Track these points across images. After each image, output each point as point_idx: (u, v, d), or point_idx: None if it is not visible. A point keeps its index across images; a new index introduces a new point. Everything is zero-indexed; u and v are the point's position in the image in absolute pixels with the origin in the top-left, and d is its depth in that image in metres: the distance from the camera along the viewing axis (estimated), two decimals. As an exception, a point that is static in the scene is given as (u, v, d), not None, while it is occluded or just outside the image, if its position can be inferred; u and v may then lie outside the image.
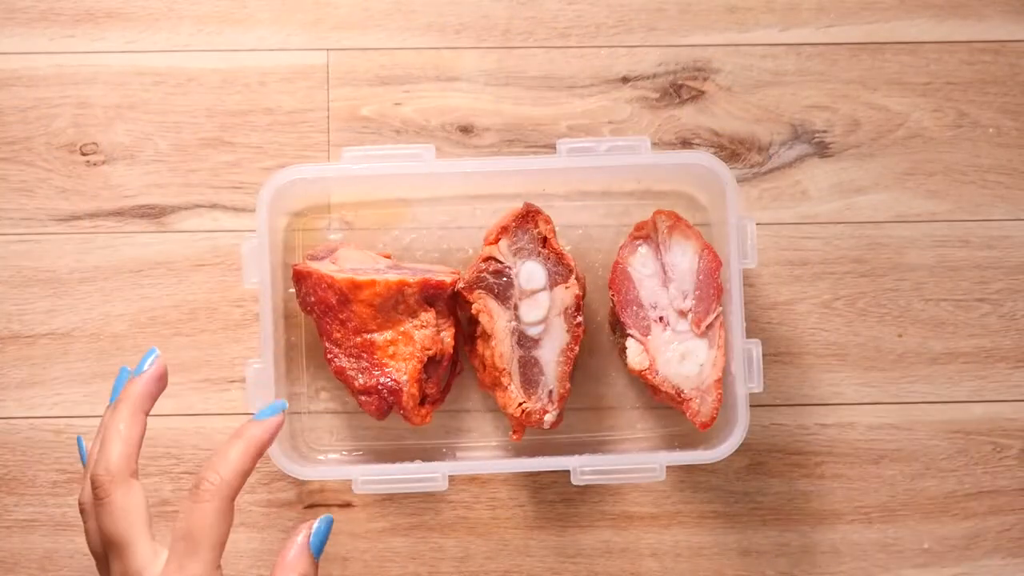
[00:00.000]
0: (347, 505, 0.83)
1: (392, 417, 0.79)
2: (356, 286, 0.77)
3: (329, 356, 0.78)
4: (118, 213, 0.84)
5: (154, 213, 0.84)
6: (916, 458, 0.84)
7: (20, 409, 0.83)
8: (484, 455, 0.83)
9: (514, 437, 0.79)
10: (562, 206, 0.83)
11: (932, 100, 0.86)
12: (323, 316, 0.78)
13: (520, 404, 0.78)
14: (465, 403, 0.83)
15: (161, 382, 0.64)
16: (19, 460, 0.82)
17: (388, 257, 0.82)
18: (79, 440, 0.67)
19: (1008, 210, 0.85)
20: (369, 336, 0.77)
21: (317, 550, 0.60)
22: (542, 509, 0.83)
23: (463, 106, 0.85)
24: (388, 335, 0.78)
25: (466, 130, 0.85)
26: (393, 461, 0.80)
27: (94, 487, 0.59)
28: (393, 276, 0.77)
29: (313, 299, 0.77)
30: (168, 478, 0.82)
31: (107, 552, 0.59)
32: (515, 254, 0.79)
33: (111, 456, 0.60)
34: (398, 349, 0.77)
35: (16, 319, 0.83)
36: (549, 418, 0.78)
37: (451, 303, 0.80)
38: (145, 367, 0.64)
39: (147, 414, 0.63)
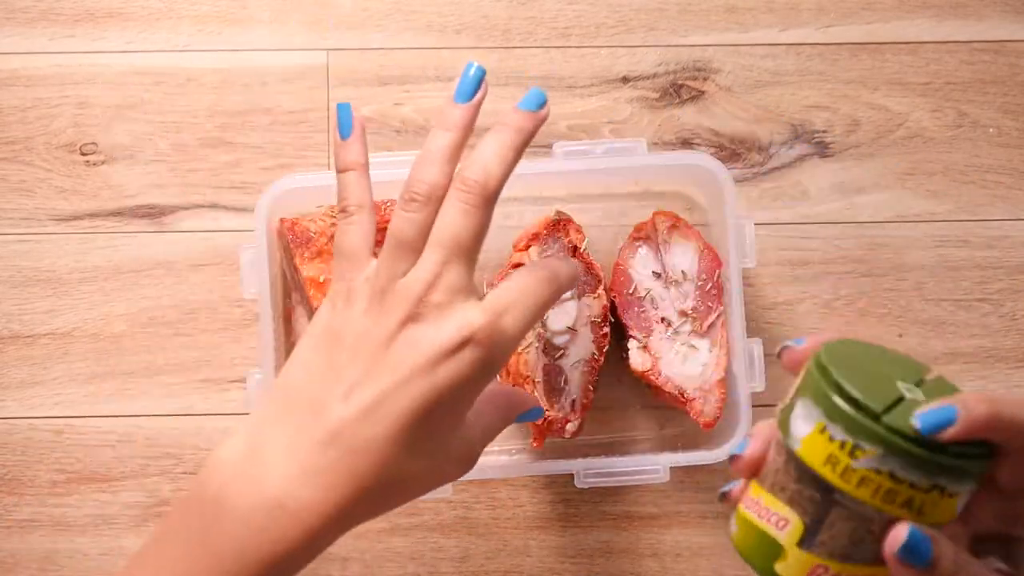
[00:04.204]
0: (347, 505, 0.82)
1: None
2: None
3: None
4: (118, 213, 0.84)
5: (154, 213, 0.84)
6: (916, 458, 0.84)
7: (20, 409, 0.82)
8: (488, 459, 0.82)
9: (535, 445, 0.79)
10: (561, 208, 0.83)
11: (932, 100, 0.86)
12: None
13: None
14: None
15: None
16: (19, 460, 0.82)
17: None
18: (342, 107, 0.62)
19: (1008, 210, 0.85)
20: None
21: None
22: (542, 509, 0.83)
23: (463, 106, 0.85)
24: None
25: (466, 130, 0.85)
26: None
27: (462, 186, 0.56)
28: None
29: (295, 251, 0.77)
30: (168, 478, 0.82)
31: (426, 250, 0.57)
32: None
33: (492, 170, 0.57)
34: None
35: (16, 319, 0.83)
36: (571, 427, 0.78)
37: None
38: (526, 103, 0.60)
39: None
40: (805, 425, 0.42)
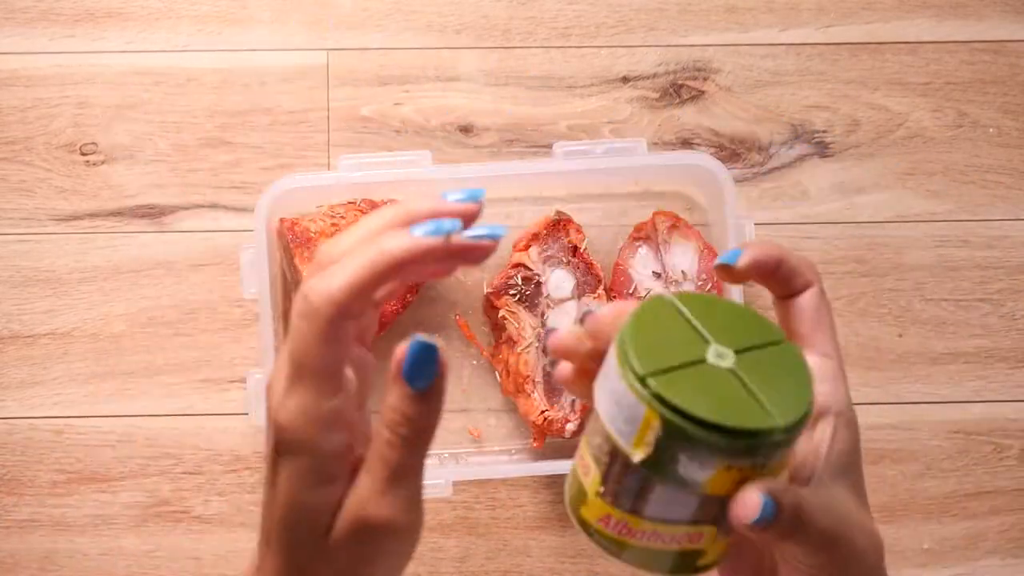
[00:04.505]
0: (347, 505, 0.82)
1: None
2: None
3: None
4: (118, 213, 0.84)
5: (154, 213, 0.84)
6: (916, 458, 0.84)
7: (20, 409, 0.82)
8: (488, 459, 0.83)
9: (535, 445, 0.79)
10: (561, 208, 0.83)
11: (932, 100, 0.86)
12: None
13: (543, 412, 0.78)
14: (479, 405, 0.83)
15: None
16: (19, 460, 0.82)
17: None
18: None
19: (1008, 210, 0.85)
20: None
21: (410, 377, 0.44)
22: (542, 509, 0.83)
23: (463, 106, 0.85)
24: None
25: (466, 130, 0.85)
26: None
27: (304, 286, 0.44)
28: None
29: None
30: (168, 478, 0.82)
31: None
32: (544, 262, 0.79)
33: (329, 280, 0.43)
34: None
35: (16, 319, 0.83)
36: (571, 427, 0.78)
37: None
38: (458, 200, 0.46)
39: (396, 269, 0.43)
40: (704, 471, 0.43)
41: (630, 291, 0.79)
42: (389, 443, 0.44)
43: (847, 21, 0.86)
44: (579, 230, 0.80)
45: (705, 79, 0.86)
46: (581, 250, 0.79)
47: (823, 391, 0.46)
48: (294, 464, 0.45)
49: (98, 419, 0.82)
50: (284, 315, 0.80)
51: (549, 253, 0.79)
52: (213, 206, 0.84)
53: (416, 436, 0.44)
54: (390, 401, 0.44)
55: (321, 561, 0.46)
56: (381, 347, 0.79)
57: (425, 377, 0.44)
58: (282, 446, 0.45)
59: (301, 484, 0.46)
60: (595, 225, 0.83)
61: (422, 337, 0.43)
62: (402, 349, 0.43)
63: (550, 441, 0.81)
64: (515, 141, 0.85)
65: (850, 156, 0.85)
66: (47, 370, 0.83)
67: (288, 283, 0.81)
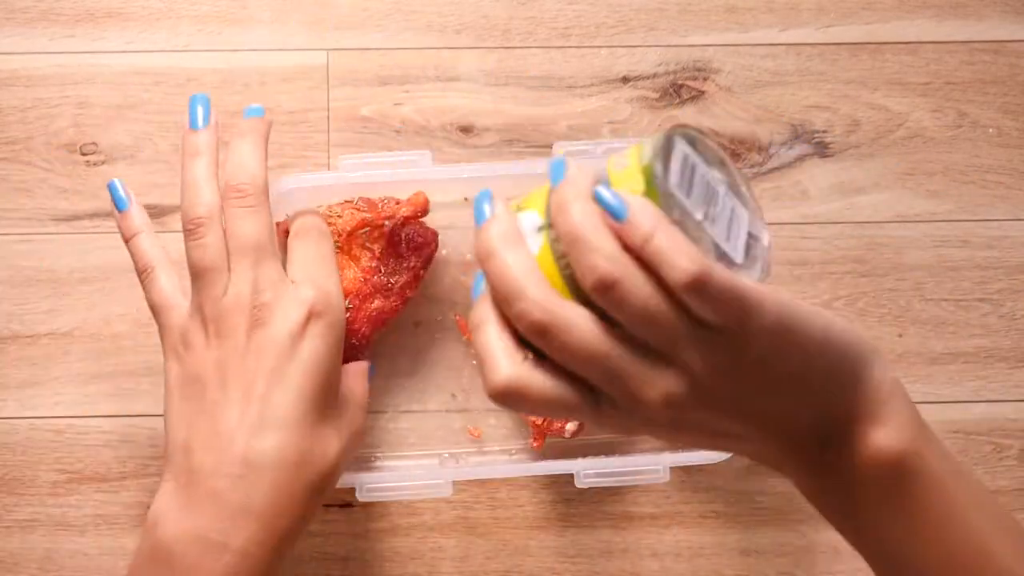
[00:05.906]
0: (347, 505, 0.83)
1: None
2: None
3: None
4: (118, 213, 0.84)
5: (154, 213, 0.84)
6: (916, 458, 0.84)
7: (20, 409, 0.83)
8: (488, 459, 0.83)
9: (535, 445, 0.79)
10: (562, 206, 0.83)
11: (932, 100, 0.86)
12: None
13: None
14: (479, 405, 0.83)
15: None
16: (19, 460, 0.82)
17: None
18: (112, 185, 0.68)
19: (1008, 210, 0.85)
20: None
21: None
22: (542, 509, 0.83)
23: (463, 106, 0.85)
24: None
25: (466, 130, 0.85)
26: (395, 461, 0.80)
27: (235, 193, 0.62)
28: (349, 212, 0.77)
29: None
30: (168, 478, 0.82)
31: (232, 263, 0.62)
32: None
33: (253, 169, 0.63)
34: None
35: (16, 319, 0.83)
36: (571, 427, 0.78)
37: (396, 245, 0.78)
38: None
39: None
40: None
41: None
42: None
43: (847, 21, 0.86)
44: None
45: (705, 79, 0.86)
46: None
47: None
48: (336, 326, 0.63)
49: (99, 419, 0.83)
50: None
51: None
52: (213, 206, 0.84)
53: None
54: None
55: (347, 422, 0.64)
56: (380, 346, 0.79)
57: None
58: (328, 310, 0.63)
59: (340, 349, 0.62)
60: (595, 225, 0.83)
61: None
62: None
63: (550, 441, 0.81)
64: (515, 141, 0.85)
65: (850, 156, 0.85)
66: (47, 370, 0.83)
67: (288, 283, 0.81)
